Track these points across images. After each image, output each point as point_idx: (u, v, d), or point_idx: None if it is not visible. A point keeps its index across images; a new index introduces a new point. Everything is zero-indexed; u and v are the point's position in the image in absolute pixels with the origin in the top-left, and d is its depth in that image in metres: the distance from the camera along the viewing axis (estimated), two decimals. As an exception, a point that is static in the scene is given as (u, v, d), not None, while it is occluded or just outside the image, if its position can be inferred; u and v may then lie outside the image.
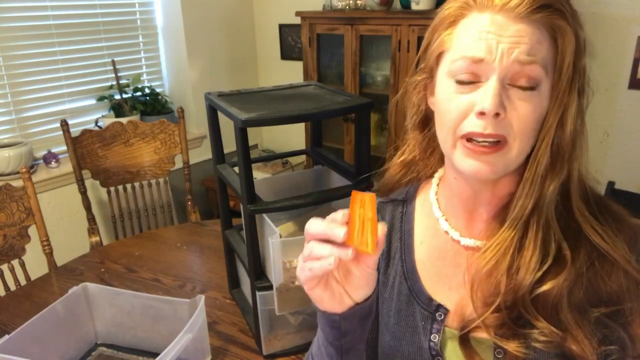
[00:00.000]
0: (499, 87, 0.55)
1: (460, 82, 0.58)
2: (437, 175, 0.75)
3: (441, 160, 0.74)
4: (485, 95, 0.55)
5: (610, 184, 1.82)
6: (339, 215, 0.54)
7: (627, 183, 2.01)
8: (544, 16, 0.55)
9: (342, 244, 0.53)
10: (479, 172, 0.59)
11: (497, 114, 0.55)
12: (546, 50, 0.56)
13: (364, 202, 0.54)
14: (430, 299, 0.69)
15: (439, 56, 0.63)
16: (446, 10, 0.61)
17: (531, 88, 0.56)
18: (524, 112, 0.56)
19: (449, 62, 0.60)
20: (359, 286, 0.58)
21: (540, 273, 0.59)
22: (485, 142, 0.57)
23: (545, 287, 0.58)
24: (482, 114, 0.56)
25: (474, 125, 0.57)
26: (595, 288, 0.59)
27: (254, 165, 1.19)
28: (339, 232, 0.52)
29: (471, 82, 0.58)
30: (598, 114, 2.07)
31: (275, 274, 0.98)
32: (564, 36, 0.56)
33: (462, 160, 0.60)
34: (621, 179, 1.99)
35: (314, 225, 0.55)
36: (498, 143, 0.57)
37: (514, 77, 0.56)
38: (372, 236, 0.53)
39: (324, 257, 0.53)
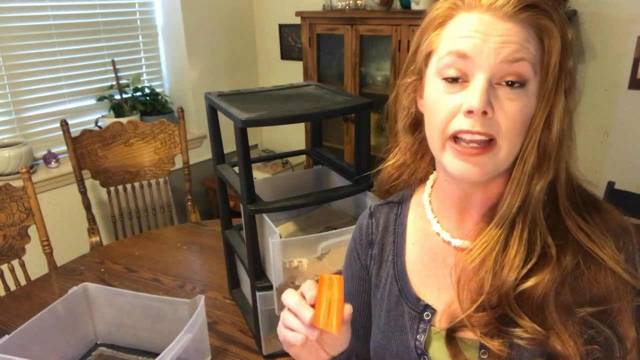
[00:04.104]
0: (487, 86, 0.55)
1: (447, 80, 0.58)
2: (431, 178, 0.75)
3: (433, 163, 0.74)
4: (473, 94, 0.55)
5: (610, 184, 1.81)
6: (308, 294, 0.62)
7: (627, 183, 2.01)
8: (530, 15, 0.55)
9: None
10: (468, 174, 0.59)
11: (484, 112, 0.55)
12: (534, 49, 0.56)
13: (332, 284, 0.60)
14: (418, 300, 0.69)
15: (428, 56, 0.63)
16: (435, 11, 0.62)
17: (519, 85, 0.56)
18: (511, 111, 0.56)
19: (436, 61, 0.60)
20: (334, 345, 0.67)
21: (524, 271, 0.59)
22: (474, 142, 0.57)
23: (529, 284, 0.58)
24: (470, 112, 0.56)
25: (461, 123, 0.57)
26: (581, 288, 0.59)
27: (254, 165, 1.20)
28: (306, 315, 0.61)
29: (458, 79, 0.57)
30: (598, 114, 2.06)
31: (275, 274, 0.98)
32: (550, 36, 0.57)
33: (451, 162, 0.59)
34: (621, 179, 1.99)
35: (288, 297, 0.63)
36: (487, 144, 0.57)
37: (502, 76, 0.56)
38: (337, 317, 0.60)
39: (295, 330, 0.62)
